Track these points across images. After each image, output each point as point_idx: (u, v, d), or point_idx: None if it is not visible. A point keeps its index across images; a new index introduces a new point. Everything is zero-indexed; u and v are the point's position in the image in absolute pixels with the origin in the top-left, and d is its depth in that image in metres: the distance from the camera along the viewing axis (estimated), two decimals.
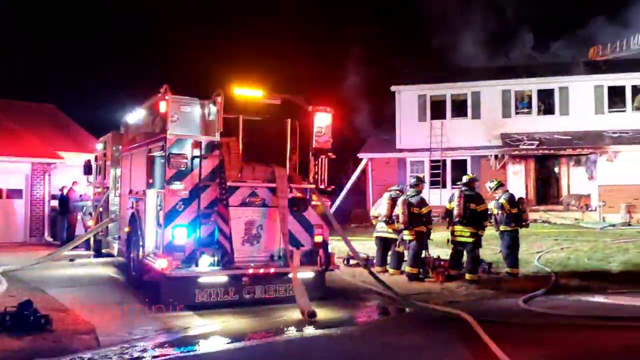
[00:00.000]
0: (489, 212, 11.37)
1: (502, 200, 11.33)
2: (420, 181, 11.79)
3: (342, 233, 9.93)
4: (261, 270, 8.56)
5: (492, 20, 33.84)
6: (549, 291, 9.62)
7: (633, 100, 24.27)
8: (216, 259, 8.44)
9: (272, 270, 8.64)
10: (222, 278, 8.37)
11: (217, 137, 8.67)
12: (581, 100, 24.73)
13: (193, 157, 8.55)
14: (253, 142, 9.41)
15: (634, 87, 24.26)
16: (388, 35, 34.77)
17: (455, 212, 10.95)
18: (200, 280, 8.25)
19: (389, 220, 11.67)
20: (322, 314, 8.02)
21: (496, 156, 24.54)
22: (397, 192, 11.97)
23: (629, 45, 24.47)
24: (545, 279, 10.63)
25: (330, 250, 9.39)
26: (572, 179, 24.40)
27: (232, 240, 8.40)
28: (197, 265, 8.38)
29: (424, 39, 34.80)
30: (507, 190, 11.95)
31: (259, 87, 9.17)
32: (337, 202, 25.45)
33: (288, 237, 8.67)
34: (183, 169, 8.46)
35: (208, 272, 8.34)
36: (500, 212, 11.32)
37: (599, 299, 9.20)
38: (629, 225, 20.66)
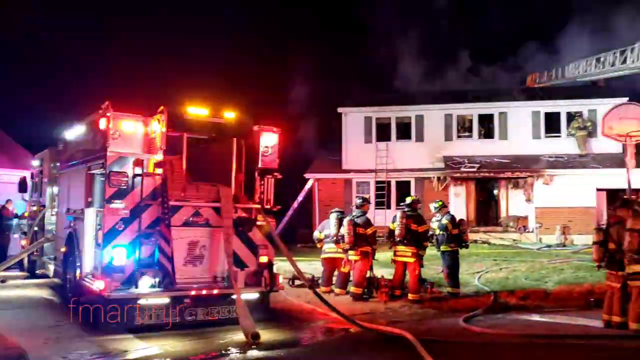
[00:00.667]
0: (430, 233, 11.65)
1: (444, 221, 11.62)
2: (365, 201, 11.92)
3: (287, 253, 9.89)
4: (204, 292, 8.40)
5: (433, 45, 34.97)
6: (489, 310, 9.86)
7: (568, 127, 25.46)
8: (157, 280, 8.22)
9: (215, 291, 8.50)
10: (164, 300, 8.16)
11: (159, 156, 8.51)
12: (519, 126, 25.72)
13: (134, 176, 8.35)
14: (197, 161, 9.29)
15: (569, 114, 25.45)
16: (336, 58, 35.29)
17: (397, 232, 11.12)
18: (141, 302, 8.01)
19: (337, 240, 11.72)
20: (266, 335, 7.93)
21: (439, 178, 25.12)
22: (340, 212, 12.05)
23: (564, 74, 25.77)
24: (485, 298, 10.89)
25: (275, 270, 9.31)
26: (511, 201, 25.24)
27: (174, 260, 8.22)
28: (137, 287, 8.14)
29: (370, 62, 35.52)
30: (449, 212, 12.31)
31: (205, 106, 9.08)
32: (284, 222, 25.36)
33: (232, 257, 8.55)
34: (124, 187, 8.25)
35: (149, 293, 8.11)
36: (442, 232, 11.59)
37: (535, 317, 9.48)
38: (564, 246, 21.48)
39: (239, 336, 7.78)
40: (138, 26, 40.56)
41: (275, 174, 9.45)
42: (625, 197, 9.42)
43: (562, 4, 37.36)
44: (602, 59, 22.31)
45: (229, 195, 8.96)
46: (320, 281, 12.11)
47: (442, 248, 11.60)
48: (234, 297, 8.35)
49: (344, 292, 11.50)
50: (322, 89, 30.93)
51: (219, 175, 9.30)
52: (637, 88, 25.69)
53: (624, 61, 20.56)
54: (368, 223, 11.51)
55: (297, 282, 12.01)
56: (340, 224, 11.66)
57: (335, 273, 11.92)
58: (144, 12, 42.11)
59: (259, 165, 9.33)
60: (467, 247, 12.02)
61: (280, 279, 9.25)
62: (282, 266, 12.38)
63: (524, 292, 11.46)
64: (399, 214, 11.31)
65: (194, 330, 8.10)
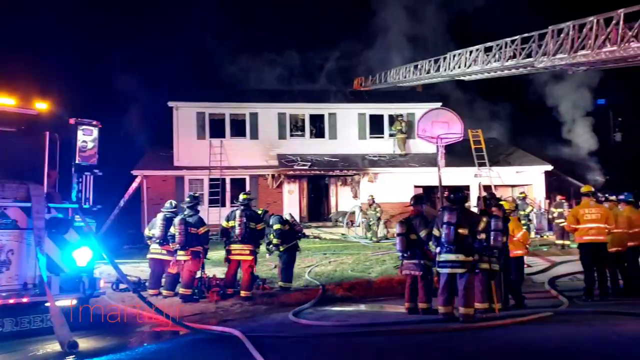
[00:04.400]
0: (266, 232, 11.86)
1: (275, 227, 11.99)
2: (196, 200, 11.63)
3: (109, 256, 9.27)
4: (11, 301, 7.54)
5: (269, 43, 35.44)
6: (317, 303, 10.20)
7: (390, 128, 27.38)
8: None
9: (24, 299, 7.67)
10: None
11: None
12: (347, 126, 27.12)
13: None
14: (3, 157, 8.30)
15: (390, 117, 27.44)
16: (170, 50, 34.13)
17: (237, 231, 10.99)
18: None
19: (163, 241, 11.29)
20: (87, 344, 7.37)
21: (273, 175, 25.49)
22: (172, 212, 11.63)
23: (387, 79, 27.60)
24: (314, 292, 11.25)
25: (96, 274, 8.68)
26: (340, 197, 26.50)
27: None
28: None
29: (207, 57, 34.95)
30: (273, 214, 12.69)
31: (11, 95, 8.14)
32: (108, 222, 23.85)
33: (45, 262, 7.79)
34: None
35: None
36: (275, 236, 12.01)
37: (359, 307, 10.01)
38: (387, 239, 23.02)
39: (55, 347, 7.13)
40: None
41: (95, 170, 8.78)
42: (418, 194, 10.38)
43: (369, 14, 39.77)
44: (419, 66, 24.23)
45: (41, 193, 8.13)
46: (147, 284, 11.57)
47: (282, 248, 11.90)
48: (48, 304, 7.61)
49: (172, 294, 11.12)
50: (153, 81, 29.74)
51: (30, 172, 8.39)
52: (449, 93, 28.52)
53: (438, 69, 22.54)
54: (201, 222, 11.27)
55: (122, 285, 11.35)
56: (166, 224, 11.26)
57: (164, 275, 11.48)
58: None
59: (76, 161, 8.60)
60: (304, 235, 12.55)
61: (102, 284, 8.64)
62: (106, 270, 11.69)
63: (350, 283, 12.04)
64: (237, 212, 11.18)
65: (1, 343, 7.25)
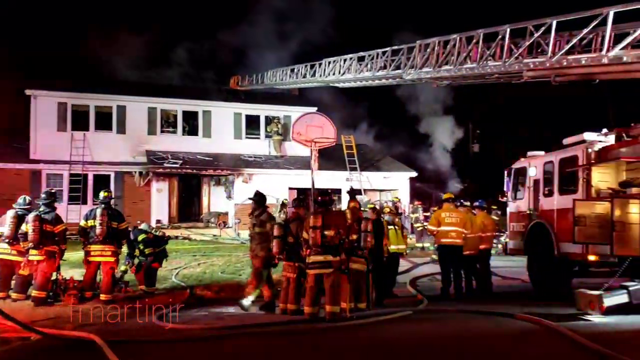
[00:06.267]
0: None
1: (140, 238, 11.52)
2: (52, 196, 10.78)
3: None
4: None
5: (145, 37, 34.01)
6: (185, 306, 9.88)
7: (266, 129, 27.41)
8: None
9: None
10: None
11: None
12: (223, 125, 26.77)
13: None
14: None
15: (267, 118, 27.50)
16: (31, 35, 31.46)
17: (98, 231, 10.34)
18: None
19: (13, 240, 10.33)
20: None
21: (141, 173, 24.46)
22: (25, 209, 10.68)
23: (264, 80, 27.60)
24: (181, 294, 10.92)
25: None
26: (213, 197, 26.06)
27: None
28: None
29: (75, 43, 32.67)
30: (135, 227, 12.19)
31: None
32: None
33: None
34: None
35: None
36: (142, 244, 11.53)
37: (228, 309, 9.86)
38: None
39: None
40: None
41: None
42: (300, 196, 10.66)
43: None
44: (295, 70, 24.49)
45: None
46: None
47: (147, 252, 11.43)
48: None
49: (23, 297, 10.24)
50: (10, 66, 27.25)
51: None
52: (324, 99, 29.18)
53: (314, 74, 22.93)
54: (58, 220, 10.50)
55: None
56: (18, 222, 10.33)
57: (14, 276, 10.52)
58: None
59: None
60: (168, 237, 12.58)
61: None
62: None
63: (219, 285, 11.84)
64: (98, 211, 10.51)
65: None
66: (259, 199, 10.30)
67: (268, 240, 9.64)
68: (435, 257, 15.94)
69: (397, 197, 24.22)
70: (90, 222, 10.47)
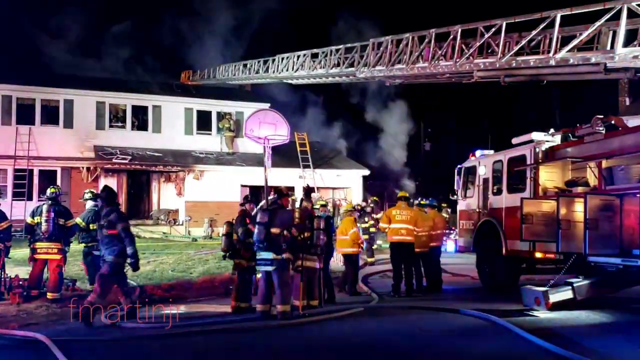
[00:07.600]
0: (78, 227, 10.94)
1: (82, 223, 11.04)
2: None
3: None
4: None
5: (92, 29, 33.04)
6: (135, 304, 9.67)
7: (218, 125, 27.09)
8: None
9: None
10: None
11: None
12: (173, 120, 26.31)
13: None
14: None
15: (219, 114, 27.17)
16: None
17: (43, 228, 10.03)
18: None
19: None
20: None
21: (88, 168, 23.83)
22: None
23: (216, 75, 27.31)
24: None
25: None
26: (163, 194, 25.55)
27: None
28: None
29: (20, 35, 31.37)
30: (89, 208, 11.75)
31: None
32: None
33: None
34: None
35: None
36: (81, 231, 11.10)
37: (179, 308, 9.72)
38: (211, 238, 22.75)
39: None
40: None
41: None
42: (246, 195, 10.60)
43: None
44: (248, 66, 24.35)
45: None
46: None
47: (83, 245, 11.08)
48: None
49: None
50: None
51: None
52: (277, 96, 29.06)
53: (267, 70, 22.85)
54: (1, 216, 10.17)
55: None
56: None
57: None
58: None
59: None
60: None
61: None
62: None
63: (170, 284, 11.64)
64: (44, 207, 10.20)
65: None
66: (107, 195, 8.80)
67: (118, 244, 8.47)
68: (370, 259, 16.29)
69: (344, 197, 24.37)
70: (36, 219, 10.15)
